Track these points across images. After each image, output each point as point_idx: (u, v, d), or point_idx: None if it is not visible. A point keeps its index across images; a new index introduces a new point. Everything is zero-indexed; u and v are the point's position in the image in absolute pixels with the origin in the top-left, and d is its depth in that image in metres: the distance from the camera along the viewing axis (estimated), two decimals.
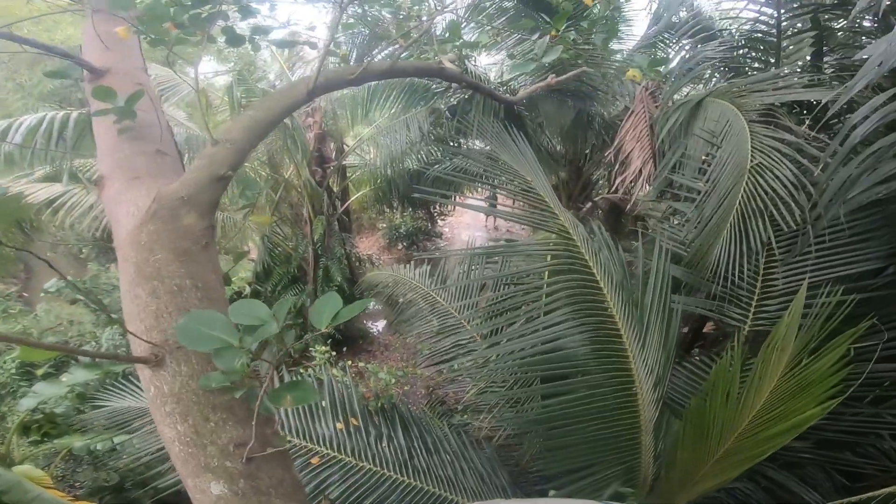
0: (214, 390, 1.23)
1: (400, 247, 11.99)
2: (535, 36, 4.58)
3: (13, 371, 6.19)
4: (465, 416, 3.55)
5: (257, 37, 1.88)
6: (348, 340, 8.57)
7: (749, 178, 2.56)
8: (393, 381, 4.19)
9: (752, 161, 2.61)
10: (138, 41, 2.00)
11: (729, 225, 2.51)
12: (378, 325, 9.52)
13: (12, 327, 8.11)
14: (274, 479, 1.20)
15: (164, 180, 1.61)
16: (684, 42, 4.92)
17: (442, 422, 3.47)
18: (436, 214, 11.78)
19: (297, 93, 1.94)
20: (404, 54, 3.91)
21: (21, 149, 4.41)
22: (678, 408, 2.62)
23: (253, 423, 1.18)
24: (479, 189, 8.96)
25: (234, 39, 1.81)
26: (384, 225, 12.51)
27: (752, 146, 2.67)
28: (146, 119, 1.75)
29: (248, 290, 7.86)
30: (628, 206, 5.39)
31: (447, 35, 2.65)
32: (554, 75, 3.05)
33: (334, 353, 6.56)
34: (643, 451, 2.20)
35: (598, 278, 2.15)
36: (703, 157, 3.06)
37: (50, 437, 5.13)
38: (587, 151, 6.02)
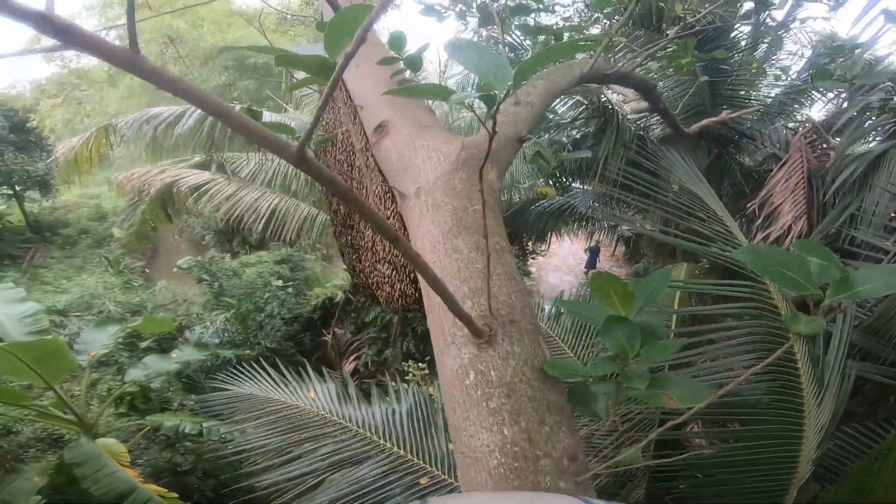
0: (551, 382, 0.98)
1: None
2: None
3: (119, 341, 6.43)
4: None
5: (515, 17, 1.99)
6: (423, 358, 8.60)
7: None
8: None
9: None
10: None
11: None
12: None
13: (131, 298, 9.03)
14: None
15: (446, 134, 1.60)
16: (839, 91, 4.65)
17: None
18: (528, 252, 11.67)
19: (573, 73, 2.11)
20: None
21: (186, 137, 5.07)
22: (819, 470, 2.39)
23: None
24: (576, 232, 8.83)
25: (486, 19, 1.94)
26: None
27: None
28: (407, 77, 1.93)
29: (340, 296, 8.13)
30: None
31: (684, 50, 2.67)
32: (729, 111, 2.95)
33: (426, 372, 6.58)
34: None
35: None
36: (893, 215, 2.76)
37: (137, 410, 5.35)
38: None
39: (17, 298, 4.79)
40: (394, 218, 2.17)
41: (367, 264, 2.77)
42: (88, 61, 18.79)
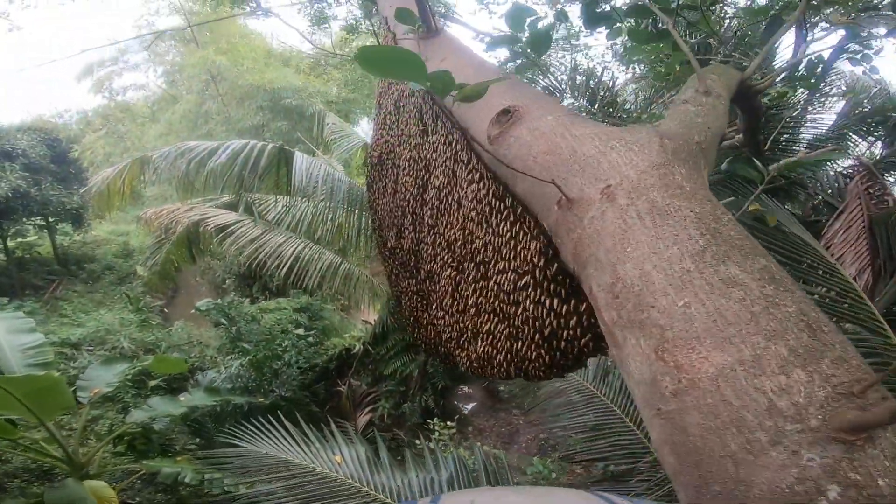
0: None
1: None
2: None
3: (127, 378, 6.41)
4: None
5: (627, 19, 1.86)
6: (446, 416, 8.34)
7: None
8: (553, 474, 3.85)
9: None
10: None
11: None
12: (468, 407, 9.26)
13: (146, 337, 9.21)
14: None
15: (591, 126, 1.28)
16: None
17: None
18: None
19: (735, 77, 1.82)
20: None
21: (217, 174, 5.22)
22: None
23: None
24: None
25: (592, 20, 1.83)
26: None
27: None
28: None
29: (358, 347, 8.13)
30: None
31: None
32: (807, 150, 2.85)
33: (454, 431, 6.32)
34: None
35: None
36: None
37: (136, 451, 5.23)
38: None
39: (24, 328, 4.84)
40: (517, 241, 1.60)
41: (439, 315, 2.24)
42: (134, 94, 20.09)
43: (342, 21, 9.39)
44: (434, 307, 2.34)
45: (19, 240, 13.64)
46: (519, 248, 1.59)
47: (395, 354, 7.61)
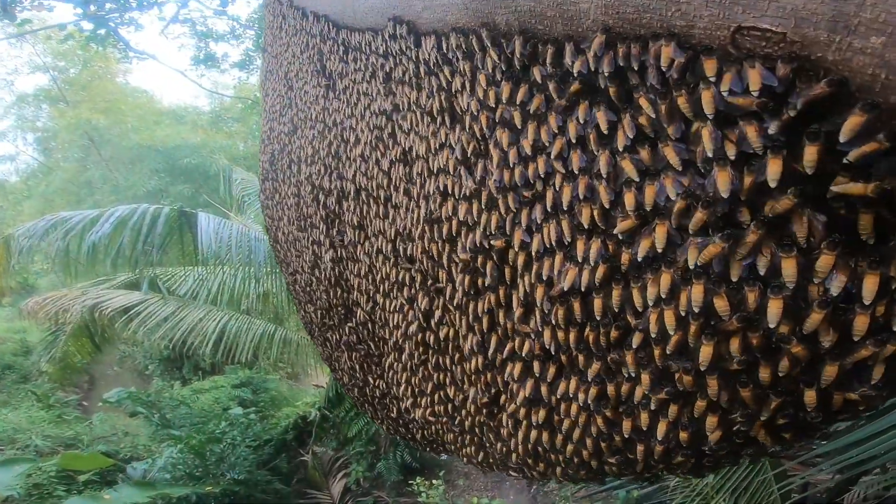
0: None
1: None
2: None
3: (52, 473, 5.98)
4: None
5: None
6: (425, 469, 7.97)
7: None
8: None
9: None
10: None
11: None
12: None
13: (63, 432, 8.51)
14: None
15: None
16: None
17: None
18: None
19: None
20: None
21: (102, 248, 4.58)
22: None
23: None
24: None
25: None
26: None
27: None
28: None
29: (314, 413, 7.79)
30: None
31: None
32: None
33: (441, 489, 5.98)
34: None
35: None
36: None
37: None
38: None
39: None
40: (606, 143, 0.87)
41: (400, 377, 1.57)
42: (2, 168, 18.30)
43: (234, 59, 8.96)
44: (388, 366, 1.63)
45: None
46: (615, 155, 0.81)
47: (357, 414, 7.30)
